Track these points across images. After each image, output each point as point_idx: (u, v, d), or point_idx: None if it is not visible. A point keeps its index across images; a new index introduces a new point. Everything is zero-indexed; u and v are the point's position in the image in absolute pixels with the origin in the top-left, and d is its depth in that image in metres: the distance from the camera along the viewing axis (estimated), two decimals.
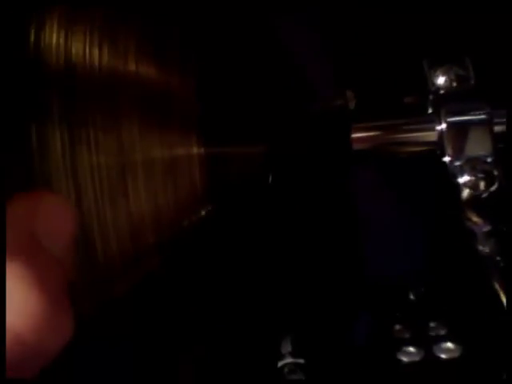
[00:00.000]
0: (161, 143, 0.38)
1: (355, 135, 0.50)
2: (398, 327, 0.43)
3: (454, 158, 0.47)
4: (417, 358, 0.41)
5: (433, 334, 0.42)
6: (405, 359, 0.41)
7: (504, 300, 0.42)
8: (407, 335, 0.42)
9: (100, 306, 0.36)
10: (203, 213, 0.40)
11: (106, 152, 0.36)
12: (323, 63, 0.57)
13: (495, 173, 0.47)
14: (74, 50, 0.36)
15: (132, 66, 0.38)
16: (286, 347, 0.47)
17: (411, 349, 0.41)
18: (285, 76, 0.52)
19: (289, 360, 0.47)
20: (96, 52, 0.37)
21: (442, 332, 0.42)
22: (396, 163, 0.53)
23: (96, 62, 0.37)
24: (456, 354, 0.41)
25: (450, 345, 0.41)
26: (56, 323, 0.27)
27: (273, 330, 0.48)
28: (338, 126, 0.50)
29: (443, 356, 0.41)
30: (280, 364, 0.46)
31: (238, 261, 0.46)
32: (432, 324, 0.43)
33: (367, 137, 0.50)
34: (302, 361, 0.46)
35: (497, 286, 0.42)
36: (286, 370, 0.46)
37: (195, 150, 0.39)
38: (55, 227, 0.28)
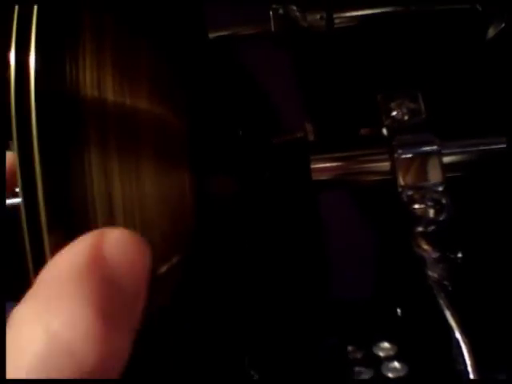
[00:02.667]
0: (167, 176, 0.38)
1: (314, 166, 0.51)
2: (350, 348, 0.44)
3: (406, 187, 0.49)
4: (366, 377, 0.42)
5: (382, 354, 0.43)
6: (355, 378, 0.42)
7: (451, 322, 0.43)
8: (358, 355, 0.43)
9: None
10: (195, 238, 0.40)
11: (128, 182, 0.36)
12: (286, 96, 0.58)
13: (444, 201, 0.48)
14: (102, 86, 0.36)
15: (144, 104, 0.38)
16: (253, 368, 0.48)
17: (361, 368, 0.42)
18: (251, 110, 0.54)
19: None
20: (117, 90, 0.37)
21: (391, 352, 0.43)
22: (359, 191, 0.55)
23: (118, 99, 0.37)
24: (402, 373, 0.42)
25: (397, 364, 0.43)
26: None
27: (240, 350, 0.49)
28: (298, 157, 0.51)
29: (390, 375, 0.42)
30: None
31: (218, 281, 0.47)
32: (382, 345, 0.44)
33: (325, 167, 0.51)
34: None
35: (445, 310, 0.43)
36: None
37: (187, 181, 0.40)
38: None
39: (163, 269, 0.38)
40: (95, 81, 0.35)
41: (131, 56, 0.38)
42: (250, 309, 0.50)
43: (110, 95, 0.36)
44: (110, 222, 0.34)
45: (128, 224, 0.35)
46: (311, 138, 0.52)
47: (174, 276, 0.40)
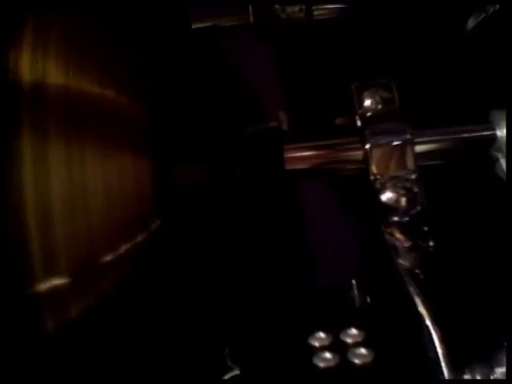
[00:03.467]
0: (118, 160, 0.38)
1: (288, 155, 0.50)
2: (317, 334, 0.44)
3: (378, 176, 0.48)
4: (332, 364, 0.41)
5: (349, 340, 0.43)
6: (321, 365, 0.42)
7: (422, 310, 0.43)
8: (325, 342, 0.43)
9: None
10: (153, 227, 0.40)
11: (66, 167, 0.36)
12: (262, 84, 0.58)
13: (415, 190, 0.48)
14: (45, 73, 0.36)
15: (92, 87, 0.38)
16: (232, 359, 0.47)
17: (327, 355, 0.42)
18: (223, 97, 0.53)
19: (236, 372, 0.47)
20: (59, 71, 0.37)
21: (358, 339, 0.43)
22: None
23: (61, 85, 0.37)
24: (368, 359, 0.42)
25: (363, 350, 0.42)
26: None
27: (218, 342, 0.49)
28: (272, 146, 0.50)
29: (357, 361, 0.42)
30: (227, 376, 0.47)
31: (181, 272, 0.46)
32: (350, 331, 0.44)
33: (299, 157, 0.51)
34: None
35: (415, 298, 0.43)
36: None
37: (146, 167, 0.39)
38: None
39: (108, 256, 0.37)
40: (38, 68, 0.35)
41: (82, 43, 0.38)
42: (227, 299, 0.50)
43: (52, 81, 0.36)
44: (45, 207, 0.34)
45: (65, 211, 0.35)
46: (285, 127, 0.52)
47: (122, 263, 0.39)
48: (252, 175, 0.50)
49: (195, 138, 0.46)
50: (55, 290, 0.36)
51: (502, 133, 0.49)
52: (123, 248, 0.38)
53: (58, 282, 0.36)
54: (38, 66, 0.36)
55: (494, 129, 0.49)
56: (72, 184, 0.36)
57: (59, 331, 0.36)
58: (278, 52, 0.58)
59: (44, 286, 0.35)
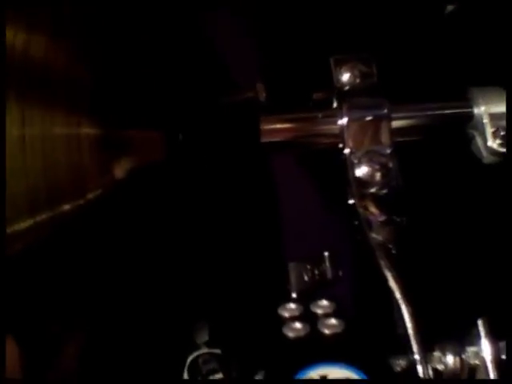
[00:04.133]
0: (42, 119, 0.36)
1: (264, 127, 0.49)
2: (287, 305, 0.43)
3: (353, 150, 0.48)
4: (302, 334, 0.41)
5: (319, 311, 0.43)
6: (291, 334, 0.41)
7: (392, 284, 0.42)
8: (296, 313, 0.42)
9: None
10: (91, 196, 0.39)
11: (6, 125, 0.35)
12: (239, 55, 0.57)
13: (390, 165, 0.47)
14: None
15: (21, 39, 0.36)
16: (202, 337, 0.47)
17: (297, 325, 0.41)
18: (198, 65, 0.52)
19: (204, 350, 0.46)
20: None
21: (329, 310, 0.43)
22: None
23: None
24: (339, 330, 0.41)
25: (333, 321, 0.42)
26: None
27: (187, 320, 0.48)
28: (248, 117, 0.49)
29: (327, 331, 0.41)
30: (195, 354, 0.46)
31: (145, 248, 0.45)
32: (320, 303, 0.43)
33: (275, 129, 0.50)
34: (218, 351, 0.45)
35: (387, 272, 0.42)
36: (200, 360, 0.46)
37: (85, 130, 0.38)
38: None
39: (35, 218, 0.36)
40: None
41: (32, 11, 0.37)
42: (197, 274, 0.49)
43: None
44: None
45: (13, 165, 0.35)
46: (262, 98, 0.51)
47: (61, 222, 0.38)
48: (226, 146, 0.49)
49: (153, 103, 0.44)
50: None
51: (478, 110, 0.48)
52: (43, 214, 0.37)
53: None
54: None
55: (471, 106, 0.49)
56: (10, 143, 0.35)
57: None
58: (256, 24, 0.57)
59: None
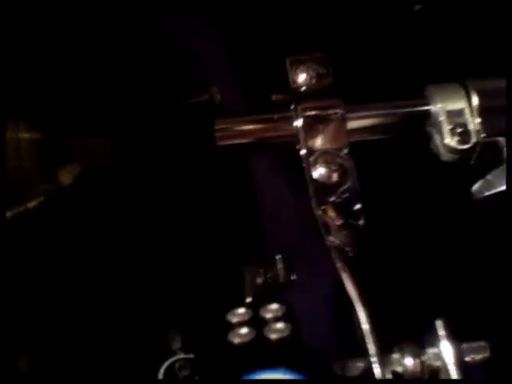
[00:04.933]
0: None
1: (218, 129, 0.48)
2: (236, 310, 0.42)
3: (310, 151, 0.47)
4: (246, 339, 0.40)
5: (269, 315, 0.42)
6: (236, 340, 0.40)
7: (349, 287, 0.41)
8: (245, 318, 0.41)
9: None
10: (34, 203, 0.38)
11: None
12: (196, 57, 0.56)
13: (347, 166, 0.46)
14: None
15: None
16: (176, 343, 0.46)
17: (243, 330, 0.40)
18: (153, 68, 0.51)
19: (180, 356, 0.45)
20: None
21: (278, 313, 0.42)
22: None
23: None
24: (285, 334, 0.41)
25: (280, 325, 0.41)
26: None
27: (161, 327, 0.47)
28: (203, 120, 0.48)
29: (273, 336, 0.40)
30: (170, 360, 0.45)
31: (100, 254, 0.44)
32: (270, 306, 0.42)
33: (230, 131, 0.49)
34: (191, 356, 0.44)
35: (343, 274, 0.42)
36: (176, 365, 0.45)
37: (25, 136, 0.37)
38: None
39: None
40: None
41: None
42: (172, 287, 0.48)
43: None
44: None
45: None
46: (217, 101, 0.50)
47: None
48: (181, 150, 0.48)
49: (99, 109, 0.43)
50: None
51: (436, 108, 0.47)
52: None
53: None
54: None
55: (428, 104, 0.48)
56: None
57: None
58: (214, 26, 0.56)
59: None
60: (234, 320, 0.41)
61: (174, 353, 0.46)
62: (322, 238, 0.45)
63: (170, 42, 0.55)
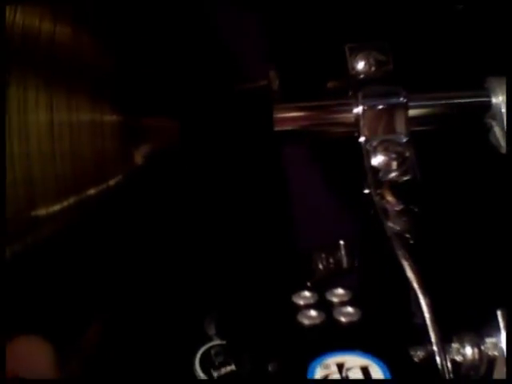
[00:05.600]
0: (68, 105, 0.36)
1: (277, 115, 0.48)
2: (302, 293, 0.42)
3: (369, 138, 0.47)
4: (317, 321, 0.40)
5: (335, 299, 0.42)
6: (306, 322, 0.40)
7: (410, 273, 0.41)
8: (311, 301, 0.41)
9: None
10: (113, 181, 0.38)
11: (34, 111, 0.35)
12: (251, 43, 0.56)
13: (407, 154, 0.46)
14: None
15: (47, 26, 0.36)
16: (213, 329, 0.46)
17: (313, 312, 0.40)
18: (211, 54, 0.51)
19: (216, 342, 0.45)
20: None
21: (345, 298, 0.42)
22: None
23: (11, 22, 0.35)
24: (355, 318, 0.41)
25: (350, 309, 0.41)
26: None
27: (197, 311, 0.47)
28: (261, 105, 0.48)
29: (343, 319, 0.41)
30: (206, 346, 0.45)
31: (156, 233, 0.45)
32: (335, 291, 0.42)
33: (288, 117, 0.49)
34: (223, 342, 0.45)
35: (404, 262, 0.41)
36: (212, 351, 0.45)
37: (107, 116, 0.38)
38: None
39: (70, 199, 0.35)
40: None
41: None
42: (210, 265, 0.48)
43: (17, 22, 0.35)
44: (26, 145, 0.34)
45: (32, 151, 0.35)
46: (275, 86, 0.50)
47: (86, 207, 0.37)
48: (239, 134, 0.48)
49: (169, 91, 0.44)
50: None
51: (497, 100, 0.47)
52: (70, 199, 0.37)
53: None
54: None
55: (489, 96, 0.48)
56: (10, 128, 0.35)
57: None
58: (271, 12, 0.56)
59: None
60: (301, 302, 0.41)
61: (210, 338, 0.46)
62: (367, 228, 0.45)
63: (217, 28, 0.55)
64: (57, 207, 0.36)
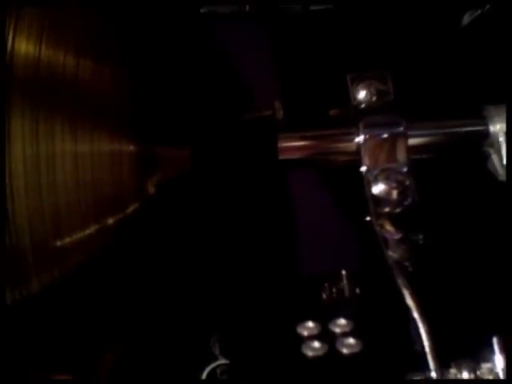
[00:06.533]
0: (91, 137, 0.37)
1: (281, 145, 0.50)
2: (306, 324, 0.43)
3: (370, 167, 0.48)
4: (320, 353, 0.41)
5: (338, 330, 0.43)
6: (309, 354, 0.41)
7: (409, 301, 0.42)
8: (314, 331, 0.42)
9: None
10: (130, 210, 0.39)
11: (36, 141, 0.36)
12: (258, 73, 0.57)
13: (407, 183, 0.47)
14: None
15: (71, 62, 0.37)
16: (219, 349, 0.47)
17: (316, 344, 0.42)
18: (218, 84, 0.52)
19: (222, 361, 0.46)
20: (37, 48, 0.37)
21: (347, 329, 0.43)
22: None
23: (37, 57, 0.37)
24: (357, 349, 0.42)
25: (351, 340, 0.42)
26: None
27: (204, 331, 0.48)
28: (266, 135, 0.50)
29: (345, 351, 0.42)
30: (212, 365, 0.46)
31: (167, 259, 0.46)
32: (338, 321, 0.43)
33: (292, 146, 0.50)
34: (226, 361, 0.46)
35: (404, 290, 0.42)
36: (218, 371, 0.46)
37: (125, 147, 0.39)
38: None
39: (74, 235, 0.37)
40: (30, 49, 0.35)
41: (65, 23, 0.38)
42: (215, 288, 0.49)
43: (43, 59, 0.36)
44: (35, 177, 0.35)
45: (58, 182, 0.35)
46: (280, 116, 0.51)
47: (89, 244, 0.39)
48: (244, 163, 0.49)
49: (180, 121, 0.45)
50: (17, 263, 0.36)
51: (494, 128, 0.48)
52: (91, 228, 0.38)
53: (20, 255, 0.35)
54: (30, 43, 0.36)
55: (487, 124, 0.48)
56: (38, 160, 0.36)
57: (18, 304, 0.36)
58: (274, 41, 0.57)
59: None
60: (305, 333, 0.42)
61: (216, 358, 0.47)
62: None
63: (224, 56, 0.56)
64: (80, 237, 0.37)
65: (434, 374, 0.40)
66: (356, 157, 0.49)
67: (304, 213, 0.54)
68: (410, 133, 0.48)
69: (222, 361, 0.46)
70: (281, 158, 0.50)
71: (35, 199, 0.36)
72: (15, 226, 0.35)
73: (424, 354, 0.40)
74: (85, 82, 0.39)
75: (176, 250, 0.46)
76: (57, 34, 0.38)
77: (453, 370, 0.41)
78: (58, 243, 0.37)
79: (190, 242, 0.48)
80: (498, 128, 0.48)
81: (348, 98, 0.51)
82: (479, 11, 0.54)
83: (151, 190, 0.41)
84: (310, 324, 0.42)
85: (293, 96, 0.54)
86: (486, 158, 0.49)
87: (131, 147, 0.40)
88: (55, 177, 0.37)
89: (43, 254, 0.37)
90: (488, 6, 0.53)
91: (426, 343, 0.40)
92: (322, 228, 0.54)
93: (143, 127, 0.41)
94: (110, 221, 0.39)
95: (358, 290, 0.47)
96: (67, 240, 0.37)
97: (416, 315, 0.41)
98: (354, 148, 0.49)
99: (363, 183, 0.48)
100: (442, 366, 0.40)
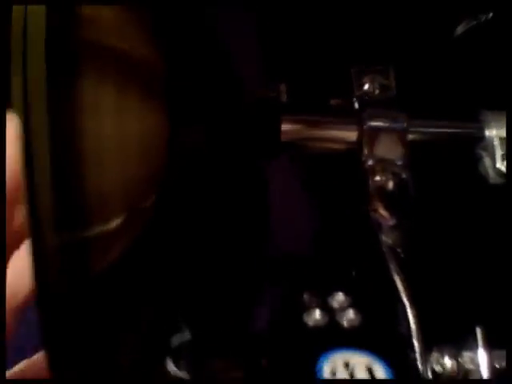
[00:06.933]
0: (138, 115, 0.38)
1: (284, 126, 0.51)
2: (306, 295, 0.44)
3: (369, 157, 0.49)
4: (321, 323, 0.42)
5: (337, 304, 0.44)
6: (310, 323, 0.43)
7: (400, 287, 0.44)
8: (314, 304, 0.43)
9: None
10: (163, 185, 0.40)
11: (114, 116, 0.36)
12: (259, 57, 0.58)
13: (403, 175, 0.49)
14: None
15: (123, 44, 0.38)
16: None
17: (317, 314, 0.43)
18: (221, 65, 0.53)
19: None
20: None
21: (345, 304, 0.44)
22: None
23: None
24: (356, 323, 0.43)
25: (351, 314, 0.43)
26: None
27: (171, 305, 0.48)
28: (269, 116, 0.51)
29: (345, 323, 0.43)
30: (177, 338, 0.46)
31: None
32: (337, 294, 0.45)
33: (295, 129, 0.51)
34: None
35: (395, 275, 0.44)
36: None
37: (161, 129, 0.39)
38: None
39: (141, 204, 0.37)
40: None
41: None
42: (189, 263, 0.50)
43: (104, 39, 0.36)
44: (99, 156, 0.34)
45: (112, 159, 0.35)
46: (284, 98, 0.52)
47: (147, 214, 0.39)
48: (247, 143, 0.50)
49: (201, 100, 0.46)
50: (103, 234, 0.35)
51: (490, 133, 0.50)
52: (146, 201, 0.39)
53: (105, 226, 0.35)
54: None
55: (483, 128, 0.50)
56: (120, 132, 0.36)
57: (103, 275, 0.35)
58: (281, 33, 0.58)
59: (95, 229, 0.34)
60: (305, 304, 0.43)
61: (180, 329, 0.47)
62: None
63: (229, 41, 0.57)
64: (123, 220, 0.36)
65: (417, 356, 0.41)
66: (355, 146, 0.50)
67: (279, 200, 0.55)
68: (410, 128, 0.50)
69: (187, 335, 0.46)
70: (283, 139, 0.50)
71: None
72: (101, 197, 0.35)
73: (409, 336, 0.42)
74: (131, 57, 0.39)
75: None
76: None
77: (435, 354, 0.43)
78: (132, 213, 0.37)
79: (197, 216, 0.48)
80: (493, 133, 0.50)
81: (351, 89, 0.53)
82: (474, 22, 0.56)
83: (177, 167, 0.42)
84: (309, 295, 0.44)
85: (297, 83, 0.55)
86: (478, 160, 0.51)
87: (167, 125, 0.40)
88: (129, 150, 0.37)
89: (123, 224, 0.36)
90: (484, 17, 0.55)
91: (412, 326, 0.42)
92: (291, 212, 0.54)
93: (174, 107, 0.42)
94: (148, 203, 0.39)
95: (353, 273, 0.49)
96: (110, 224, 0.37)
97: (405, 299, 0.43)
98: (354, 137, 0.50)
99: (358, 171, 0.49)
100: (426, 349, 0.42)
